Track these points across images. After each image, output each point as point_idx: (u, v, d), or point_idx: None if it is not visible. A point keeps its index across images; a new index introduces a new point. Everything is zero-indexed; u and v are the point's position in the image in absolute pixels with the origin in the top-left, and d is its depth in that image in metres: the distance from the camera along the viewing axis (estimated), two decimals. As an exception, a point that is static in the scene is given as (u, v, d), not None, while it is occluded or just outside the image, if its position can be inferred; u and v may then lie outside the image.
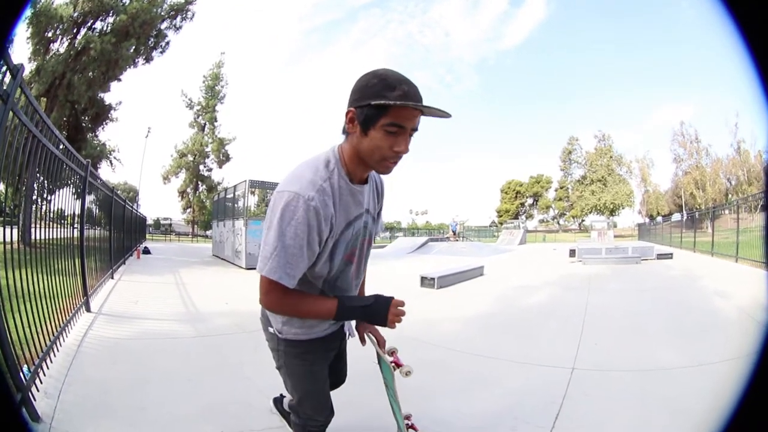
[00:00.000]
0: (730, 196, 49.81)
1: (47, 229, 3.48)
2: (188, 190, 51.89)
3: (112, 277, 8.07)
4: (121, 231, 10.50)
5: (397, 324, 1.40)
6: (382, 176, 1.55)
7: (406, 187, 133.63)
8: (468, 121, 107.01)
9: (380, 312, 1.37)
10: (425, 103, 1.20)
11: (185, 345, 3.91)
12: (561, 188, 72.72)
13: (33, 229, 3.23)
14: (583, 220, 69.33)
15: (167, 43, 24.58)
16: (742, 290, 7.08)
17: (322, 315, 1.38)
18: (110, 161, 27.71)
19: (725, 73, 73.28)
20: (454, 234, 31.04)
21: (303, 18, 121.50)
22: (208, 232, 33.93)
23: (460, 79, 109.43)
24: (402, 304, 1.40)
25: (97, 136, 26.12)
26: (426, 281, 7.82)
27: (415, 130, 1.24)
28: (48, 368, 2.86)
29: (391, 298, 1.39)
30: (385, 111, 1.18)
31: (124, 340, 3.91)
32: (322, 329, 1.49)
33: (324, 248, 1.31)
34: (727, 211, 18.46)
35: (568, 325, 4.87)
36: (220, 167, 51.69)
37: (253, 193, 13.58)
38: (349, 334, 1.68)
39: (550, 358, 3.63)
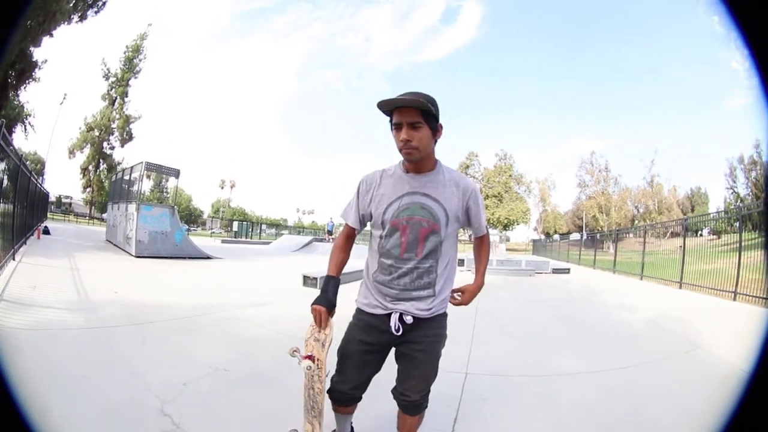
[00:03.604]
0: (636, 222, 54.54)
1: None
2: (90, 167, 48.58)
3: (14, 259, 7.55)
4: (24, 207, 9.75)
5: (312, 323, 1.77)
6: (467, 181, 1.79)
7: (294, 185, 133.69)
8: (366, 126, 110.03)
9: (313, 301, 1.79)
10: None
11: (79, 337, 3.82)
12: (454, 200, 74.38)
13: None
14: (473, 233, 72.02)
15: (103, 3, 23.35)
16: (650, 304, 7.75)
17: (329, 263, 1.87)
18: (25, 126, 25.36)
19: (644, 113, 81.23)
20: (329, 234, 31.03)
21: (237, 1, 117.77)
22: (104, 215, 31.70)
23: (368, 85, 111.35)
24: (318, 315, 1.74)
25: (18, 96, 23.84)
26: (309, 281, 7.71)
27: (413, 123, 1.59)
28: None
29: (320, 299, 1.75)
30: (390, 117, 1.64)
31: (23, 330, 3.79)
32: (366, 304, 1.80)
33: (371, 205, 1.77)
34: (631, 235, 20.11)
35: (458, 331, 4.83)
36: (122, 146, 49.38)
37: (148, 177, 13.13)
38: (395, 329, 1.72)
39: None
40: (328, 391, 1.83)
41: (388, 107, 1.62)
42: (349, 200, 1.87)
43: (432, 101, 1.61)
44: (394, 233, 1.71)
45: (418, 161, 1.68)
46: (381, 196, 1.75)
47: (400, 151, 1.65)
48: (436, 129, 1.67)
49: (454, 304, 1.89)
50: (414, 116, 1.58)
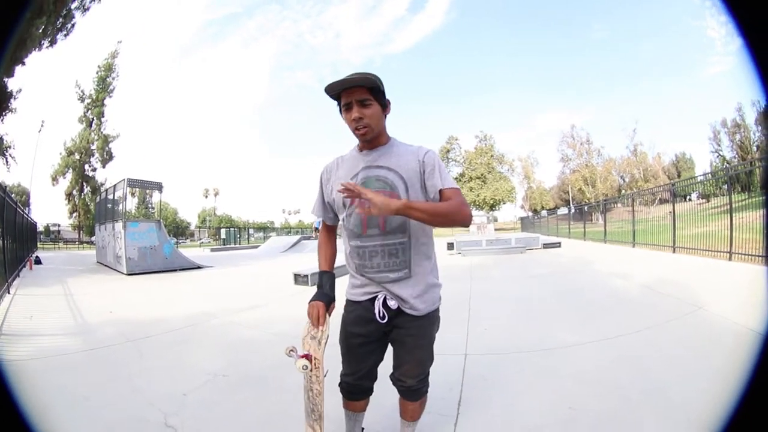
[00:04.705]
0: (623, 191, 54.82)
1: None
2: (74, 192, 48.10)
3: (9, 292, 7.48)
4: (14, 239, 9.65)
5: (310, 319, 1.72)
6: (424, 148, 1.77)
7: (278, 187, 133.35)
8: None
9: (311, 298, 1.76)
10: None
11: (79, 360, 3.82)
12: (437, 185, 74.27)
13: None
14: (460, 216, 71.99)
15: (72, 26, 23.25)
16: (645, 270, 7.74)
17: (318, 261, 1.88)
18: (6, 159, 25.01)
19: (625, 82, 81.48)
20: (317, 231, 31.06)
21: (209, 6, 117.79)
22: (93, 238, 31.62)
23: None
24: (316, 311, 1.70)
25: (-4, 129, 23.53)
26: (300, 279, 7.81)
27: (362, 100, 1.60)
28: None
29: (317, 295, 1.75)
30: (338, 100, 1.66)
31: (24, 361, 3.79)
32: (354, 293, 1.78)
33: (334, 192, 1.74)
34: (619, 204, 20.19)
35: (453, 314, 4.73)
36: (104, 167, 48.87)
37: (132, 194, 13.23)
38: (380, 316, 1.68)
39: (439, 347, 3.62)
40: (338, 384, 1.84)
41: (336, 89, 1.61)
42: (316, 194, 1.87)
43: (377, 78, 1.62)
44: (355, 210, 1.67)
45: (373, 139, 1.69)
46: (339, 179, 1.72)
47: (355, 131, 1.66)
48: (385, 105, 1.68)
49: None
50: (363, 94, 1.60)
